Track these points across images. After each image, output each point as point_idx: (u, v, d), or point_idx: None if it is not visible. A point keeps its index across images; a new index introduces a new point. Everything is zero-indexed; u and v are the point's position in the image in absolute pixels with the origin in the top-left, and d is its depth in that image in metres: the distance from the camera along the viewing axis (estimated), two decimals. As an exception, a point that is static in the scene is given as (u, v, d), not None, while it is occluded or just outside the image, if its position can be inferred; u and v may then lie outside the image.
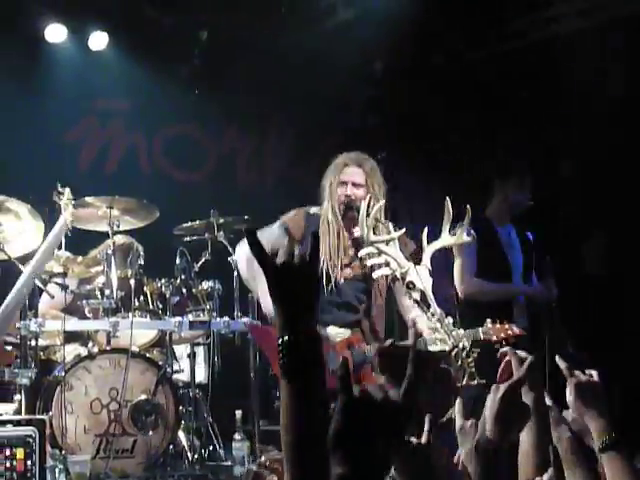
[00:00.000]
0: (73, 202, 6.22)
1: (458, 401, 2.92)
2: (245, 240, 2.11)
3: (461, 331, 4.82)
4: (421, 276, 4.94)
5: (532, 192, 6.54)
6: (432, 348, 4.82)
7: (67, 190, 6.24)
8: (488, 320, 5.18)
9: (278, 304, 2.06)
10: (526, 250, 6.55)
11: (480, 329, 5.19)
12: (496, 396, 2.67)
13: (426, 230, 5.10)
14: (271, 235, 5.59)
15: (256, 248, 2.07)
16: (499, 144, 8.22)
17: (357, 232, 5.31)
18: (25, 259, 6.21)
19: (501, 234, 6.52)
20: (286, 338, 2.02)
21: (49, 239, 6.09)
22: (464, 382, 4.66)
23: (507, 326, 5.25)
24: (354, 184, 5.77)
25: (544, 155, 8.00)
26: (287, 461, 2.00)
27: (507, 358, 2.90)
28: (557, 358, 3.03)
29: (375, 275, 5.41)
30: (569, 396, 2.97)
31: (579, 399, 2.95)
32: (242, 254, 6.04)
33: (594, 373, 3.00)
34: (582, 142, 7.94)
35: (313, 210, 5.88)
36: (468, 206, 5.19)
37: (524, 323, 6.07)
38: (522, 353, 2.88)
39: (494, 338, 5.19)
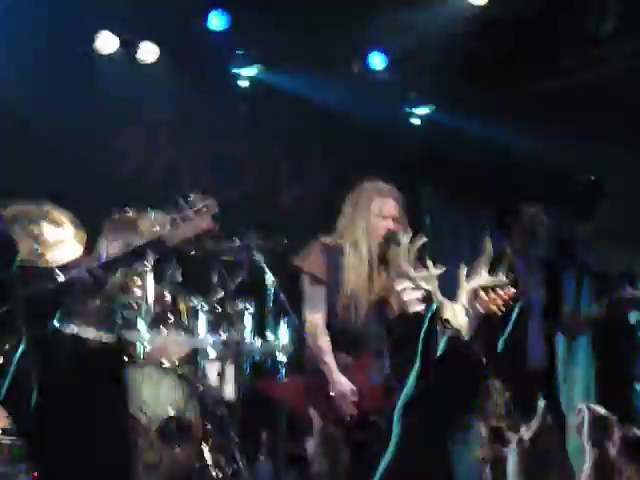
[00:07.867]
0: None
1: None
2: None
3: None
4: (457, 314, 4.93)
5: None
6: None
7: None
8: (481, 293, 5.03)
9: None
10: None
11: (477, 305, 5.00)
12: None
13: (464, 268, 5.08)
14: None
15: None
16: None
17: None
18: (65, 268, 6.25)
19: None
20: None
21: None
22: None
23: (500, 292, 5.05)
24: (394, 219, 5.75)
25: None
26: None
27: None
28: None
29: (411, 310, 5.41)
30: None
31: None
32: None
33: None
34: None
35: (327, 240, 5.76)
36: (508, 248, 5.20)
37: None
38: None
39: (494, 308, 5.04)
